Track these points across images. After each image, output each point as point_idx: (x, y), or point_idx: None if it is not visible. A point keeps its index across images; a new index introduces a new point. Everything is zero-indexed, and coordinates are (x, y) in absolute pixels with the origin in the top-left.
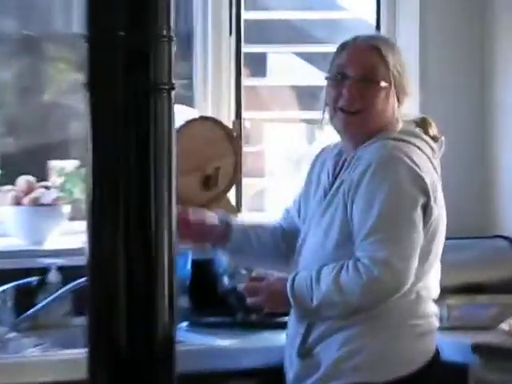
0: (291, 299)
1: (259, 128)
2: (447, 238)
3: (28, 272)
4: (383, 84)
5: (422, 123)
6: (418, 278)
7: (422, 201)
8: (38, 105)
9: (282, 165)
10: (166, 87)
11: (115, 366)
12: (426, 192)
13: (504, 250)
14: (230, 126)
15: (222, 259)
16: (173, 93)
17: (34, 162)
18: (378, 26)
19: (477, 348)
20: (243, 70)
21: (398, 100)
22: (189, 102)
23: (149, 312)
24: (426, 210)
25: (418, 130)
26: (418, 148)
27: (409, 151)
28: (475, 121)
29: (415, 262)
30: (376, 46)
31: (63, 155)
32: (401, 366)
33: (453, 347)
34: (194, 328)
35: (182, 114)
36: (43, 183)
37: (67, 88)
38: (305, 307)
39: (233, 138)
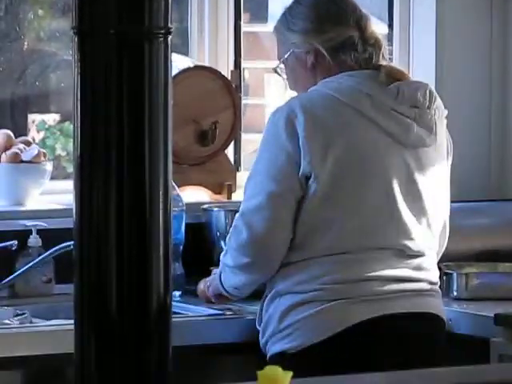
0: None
1: (260, 79)
2: (462, 201)
3: (6, 235)
4: (282, 64)
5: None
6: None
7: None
8: (15, 52)
9: None
10: (162, 32)
11: (105, 338)
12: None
13: None
14: (228, 77)
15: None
16: (169, 38)
17: (12, 116)
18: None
19: (499, 319)
20: (243, 15)
21: (313, 62)
22: (183, 49)
23: (142, 280)
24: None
25: (351, 79)
26: (335, 98)
27: (303, 101)
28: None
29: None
30: (275, 28)
31: (44, 108)
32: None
33: (472, 319)
34: (188, 297)
35: (175, 63)
36: (23, 138)
37: (49, 34)
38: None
39: (231, 90)
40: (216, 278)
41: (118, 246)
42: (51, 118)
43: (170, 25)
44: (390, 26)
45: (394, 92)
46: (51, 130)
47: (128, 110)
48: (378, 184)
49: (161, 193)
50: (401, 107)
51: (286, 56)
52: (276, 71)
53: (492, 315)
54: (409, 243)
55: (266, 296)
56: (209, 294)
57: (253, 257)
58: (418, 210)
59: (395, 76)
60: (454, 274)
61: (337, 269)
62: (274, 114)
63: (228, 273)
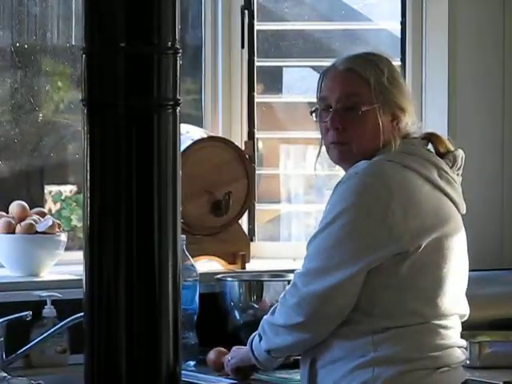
0: (251, 353)
1: (274, 149)
2: (476, 270)
3: (21, 306)
4: (367, 108)
5: (430, 139)
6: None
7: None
8: (32, 124)
9: (299, 190)
10: (171, 103)
11: None
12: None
13: None
14: (242, 147)
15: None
16: (178, 109)
17: (29, 187)
18: (403, 38)
19: None
20: (256, 86)
21: (393, 118)
22: (197, 121)
23: (151, 350)
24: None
25: (419, 149)
26: (414, 170)
27: (392, 176)
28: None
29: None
30: (353, 69)
31: (60, 179)
32: None
33: None
34: (202, 367)
35: (189, 134)
36: (38, 209)
37: (65, 106)
38: (261, 353)
39: (245, 160)
40: (246, 348)
41: (128, 316)
42: (68, 189)
43: (178, 96)
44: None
45: (451, 161)
46: (67, 201)
47: (137, 182)
48: (454, 251)
49: (170, 263)
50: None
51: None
52: None
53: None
54: (464, 310)
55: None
56: (227, 366)
57: (307, 316)
58: (464, 276)
59: (447, 145)
60: (468, 343)
61: (430, 336)
62: None
63: (271, 333)
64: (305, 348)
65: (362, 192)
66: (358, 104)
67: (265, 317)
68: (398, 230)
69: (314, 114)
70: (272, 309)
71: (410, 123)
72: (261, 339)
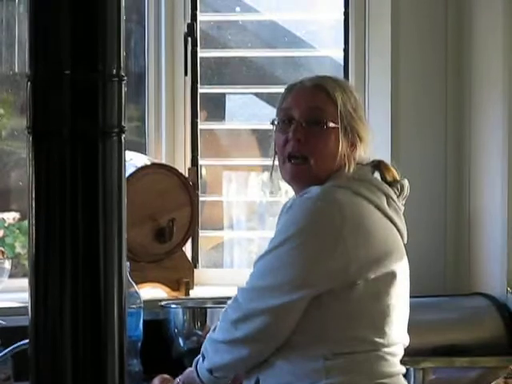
0: (195, 373)
1: (217, 176)
2: (419, 296)
3: None
4: (331, 125)
5: (379, 167)
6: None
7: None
8: None
9: (241, 216)
10: (116, 130)
11: None
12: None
13: (484, 308)
14: (186, 174)
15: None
16: (123, 136)
17: None
18: (346, 65)
19: None
20: (200, 113)
21: (352, 144)
22: (141, 147)
23: (97, 378)
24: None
25: (370, 176)
26: (365, 198)
27: (346, 202)
28: (451, 163)
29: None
30: (322, 86)
31: (3, 207)
32: None
33: None
34: None
35: (133, 161)
36: None
37: (7, 133)
38: (204, 374)
39: (189, 187)
40: (192, 369)
41: (74, 342)
42: (11, 217)
43: (123, 123)
44: None
45: (398, 189)
46: (10, 228)
47: (82, 209)
48: (400, 279)
49: (116, 290)
50: (399, 204)
51: None
52: None
53: None
54: (406, 338)
55: None
56: None
57: (248, 331)
58: (407, 304)
59: (394, 174)
60: (411, 370)
61: (379, 363)
62: None
63: (212, 351)
64: (245, 366)
65: (314, 217)
66: (323, 119)
67: (207, 335)
68: (347, 259)
69: (274, 125)
70: (214, 326)
71: (363, 154)
72: (204, 359)
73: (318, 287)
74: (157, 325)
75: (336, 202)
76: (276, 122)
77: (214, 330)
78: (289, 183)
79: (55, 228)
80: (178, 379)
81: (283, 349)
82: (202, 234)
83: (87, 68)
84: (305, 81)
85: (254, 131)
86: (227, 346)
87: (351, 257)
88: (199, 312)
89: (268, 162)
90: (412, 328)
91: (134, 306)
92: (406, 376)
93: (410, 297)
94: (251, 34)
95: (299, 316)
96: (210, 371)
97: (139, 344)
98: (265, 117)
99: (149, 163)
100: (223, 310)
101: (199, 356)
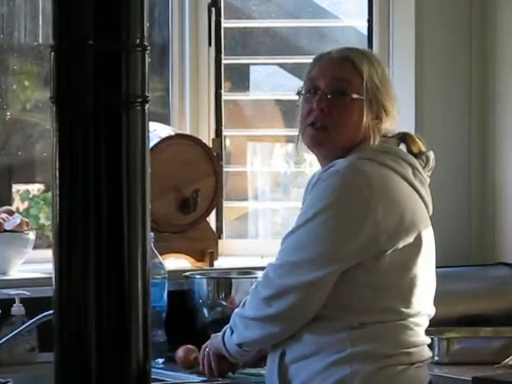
0: (222, 345)
1: (241, 147)
2: (445, 266)
3: None
4: (355, 96)
5: (405, 139)
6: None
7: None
8: (0, 122)
9: (266, 187)
10: (140, 100)
11: None
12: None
13: (509, 278)
14: (210, 145)
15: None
16: (146, 106)
17: None
18: (370, 36)
19: (476, 383)
20: (224, 84)
21: (377, 117)
22: (164, 118)
23: (121, 348)
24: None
25: (396, 148)
26: (392, 169)
27: (373, 174)
28: (475, 135)
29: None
30: (349, 57)
31: (27, 178)
32: None
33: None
34: (171, 365)
35: (156, 132)
36: (6, 208)
37: (32, 105)
38: (232, 347)
39: (213, 158)
40: (219, 339)
41: (98, 313)
42: (35, 188)
43: (147, 93)
44: None
45: (423, 161)
46: (35, 199)
47: (106, 179)
48: (427, 250)
49: (139, 261)
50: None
51: None
52: None
53: (470, 379)
54: (432, 309)
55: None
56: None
57: (278, 308)
58: (434, 275)
59: (419, 146)
60: (436, 339)
61: (405, 333)
62: None
63: (242, 326)
64: (276, 341)
65: (342, 190)
66: (348, 90)
67: (236, 310)
68: (376, 231)
69: (300, 95)
70: (243, 301)
71: (389, 127)
72: (232, 332)
73: (349, 261)
74: (181, 295)
75: (363, 174)
76: (302, 92)
77: (244, 305)
78: (312, 150)
79: (78, 198)
80: (205, 345)
81: (311, 322)
82: (226, 204)
83: (110, 38)
84: (333, 52)
85: (278, 102)
86: (259, 322)
87: (381, 228)
88: (223, 282)
89: (292, 132)
90: (437, 298)
91: (158, 277)
92: (430, 346)
93: (435, 267)
94: (275, 5)
95: (329, 290)
96: (239, 345)
97: (164, 315)
98: (289, 87)
99: (173, 134)
100: (252, 286)
101: (227, 328)
